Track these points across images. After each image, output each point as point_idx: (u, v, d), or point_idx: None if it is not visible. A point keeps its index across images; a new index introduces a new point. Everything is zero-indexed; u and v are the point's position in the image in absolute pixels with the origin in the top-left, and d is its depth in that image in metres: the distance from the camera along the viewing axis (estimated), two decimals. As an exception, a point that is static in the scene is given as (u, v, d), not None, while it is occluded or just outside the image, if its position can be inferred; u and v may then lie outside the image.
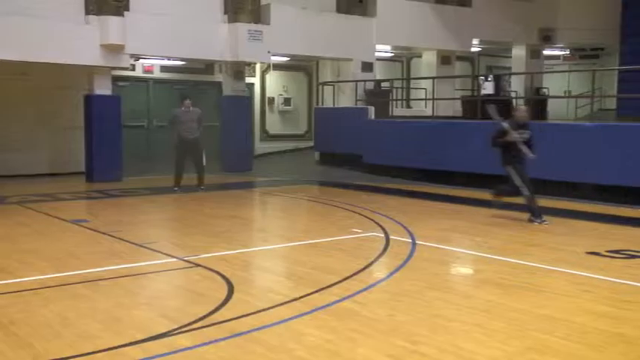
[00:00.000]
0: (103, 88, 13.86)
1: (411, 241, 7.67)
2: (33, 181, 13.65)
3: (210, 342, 4.31)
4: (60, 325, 4.66)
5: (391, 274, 6.26)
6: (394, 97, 18.55)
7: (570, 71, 23.25)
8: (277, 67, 19.29)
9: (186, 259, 6.73)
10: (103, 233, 8.14)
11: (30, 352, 4.15)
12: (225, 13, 15.14)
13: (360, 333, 4.50)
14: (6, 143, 13.13)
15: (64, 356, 4.08)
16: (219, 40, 14.92)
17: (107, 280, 5.96)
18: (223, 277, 5.96)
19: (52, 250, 7.32)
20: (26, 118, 14.59)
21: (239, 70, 15.79)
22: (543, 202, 9.27)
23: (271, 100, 19.85)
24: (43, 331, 4.55)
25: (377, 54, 18.11)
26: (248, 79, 17.41)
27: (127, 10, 13.52)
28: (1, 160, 13.55)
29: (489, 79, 18.39)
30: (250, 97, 17.42)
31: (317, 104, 19.04)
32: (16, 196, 11.42)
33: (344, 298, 5.30)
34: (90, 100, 13.84)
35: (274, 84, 19.92)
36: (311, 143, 19.08)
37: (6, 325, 4.67)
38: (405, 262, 6.65)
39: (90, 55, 13.20)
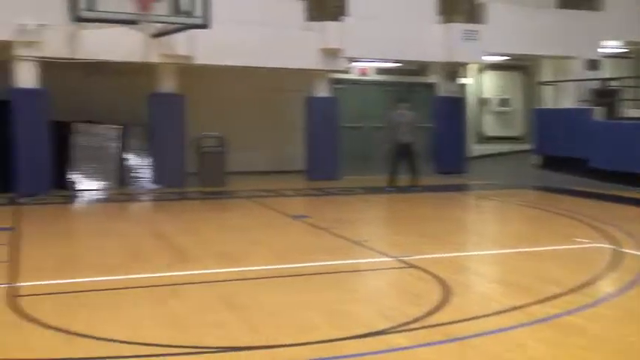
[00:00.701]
0: (321, 90, 14.54)
1: (645, 254, 6.95)
2: (258, 178, 14.69)
3: (427, 344, 4.27)
4: (282, 314, 4.93)
5: (623, 290, 5.71)
6: (625, 97, 16.97)
7: None
8: (493, 66, 18.70)
9: (400, 258, 6.78)
10: (322, 229, 8.51)
11: (257, 337, 4.43)
12: (439, 13, 15.03)
13: (589, 351, 4.16)
14: (235, 142, 14.27)
15: (286, 343, 4.30)
16: (433, 41, 14.82)
17: (326, 275, 6.21)
18: (438, 279, 5.89)
19: (275, 242, 7.85)
20: (253, 119, 15.73)
21: (453, 70, 15.59)
22: None
23: (487, 101, 19.31)
24: (268, 317, 4.85)
25: (605, 50, 16.75)
26: (462, 80, 17.11)
27: (344, 14, 14.01)
28: (231, 157, 14.75)
29: None
30: (464, 98, 17.11)
31: (535, 105, 18.12)
32: (244, 191, 12.42)
33: (568, 312, 4.93)
34: (310, 101, 14.56)
35: (490, 84, 19.35)
36: (528, 146, 18.20)
37: (239, 308, 5.06)
38: None
39: (311, 60, 13.89)
